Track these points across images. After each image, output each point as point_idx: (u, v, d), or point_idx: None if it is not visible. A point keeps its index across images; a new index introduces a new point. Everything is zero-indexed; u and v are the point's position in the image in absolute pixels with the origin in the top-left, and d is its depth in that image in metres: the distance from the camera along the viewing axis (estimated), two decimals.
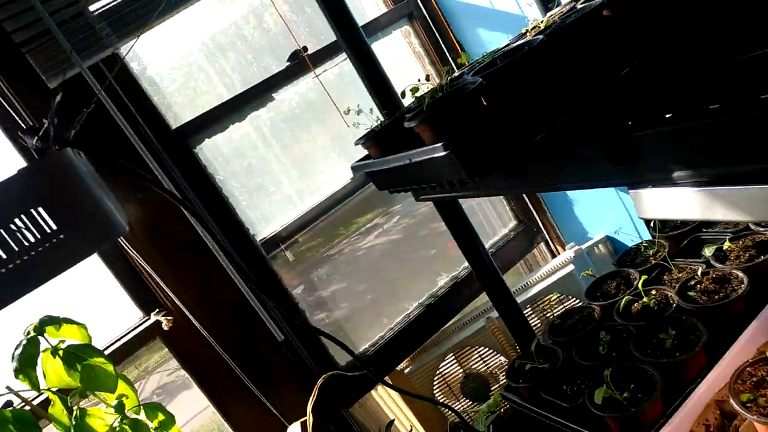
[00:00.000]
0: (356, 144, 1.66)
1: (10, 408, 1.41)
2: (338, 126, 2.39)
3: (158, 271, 2.00)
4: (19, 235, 0.85)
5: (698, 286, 1.68)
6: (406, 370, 2.46)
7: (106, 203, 0.95)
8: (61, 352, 1.32)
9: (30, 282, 0.87)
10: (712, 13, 1.14)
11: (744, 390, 1.19)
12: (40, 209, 0.85)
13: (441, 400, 2.44)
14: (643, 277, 1.76)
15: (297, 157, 2.53)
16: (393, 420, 2.22)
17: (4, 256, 0.84)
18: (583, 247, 2.61)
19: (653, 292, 1.78)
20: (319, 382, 1.65)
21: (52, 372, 1.35)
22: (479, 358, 2.49)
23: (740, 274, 1.62)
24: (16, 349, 1.29)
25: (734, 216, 0.90)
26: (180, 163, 2.12)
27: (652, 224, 2.07)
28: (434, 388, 2.45)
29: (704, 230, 1.95)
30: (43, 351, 1.33)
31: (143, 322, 2.09)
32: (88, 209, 0.91)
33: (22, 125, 1.78)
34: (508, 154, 1.27)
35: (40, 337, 1.31)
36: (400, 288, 2.74)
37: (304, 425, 1.59)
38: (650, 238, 2.09)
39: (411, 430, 2.25)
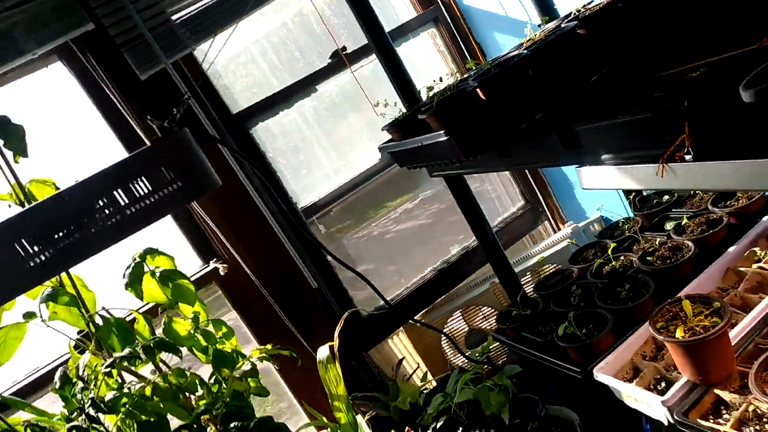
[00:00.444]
0: (382, 130, 2.09)
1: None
2: (371, 114, 2.81)
3: (218, 226, 2.48)
4: (153, 182, 1.30)
5: (656, 253, 2.05)
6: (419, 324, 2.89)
7: (208, 164, 1.39)
8: (157, 275, 1.80)
9: (162, 211, 1.32)
10: (648, 41, 1.53)
11: (659, 320, 1.57)
12: (168, 166, 1.30)
13: (448, 351, 2.87)
14: (612, 245, 2.14)
15: (335, 139, 2.97)
16: (403, 358, 2.65)
17: (144, 194, 1.30)
18: (580, 225, 2.98)
19: (621, 258, 2.16)
20: (345, 315, 2.10)
21: (148, 289, 1.83)
22: (482, 317, 2.90)
23: (690, 244, 1.98)
24: (127, 269, 1.78)
25: (637, 185, 1.29)
26: (239, 141, 2.58)
27: (631, 203, 2.44)
28: (442, 339, 2.87)
29: (673, 210, 2.31)
30: (144, 273, 1.81)
31: (203, 269, 2.58)
32: (198, 166, 1.35)
33: (127, 117, 2.34)
34: (495, 140, 1.68)
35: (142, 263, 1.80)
36: (420, 259, 3.14)
37: (332, 348, 2.04)
38: (631, 215, 2.46)
39: (418, 367, 2.69)
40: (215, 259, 2.57)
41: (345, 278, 2.93)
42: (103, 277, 2.02)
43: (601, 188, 1.41)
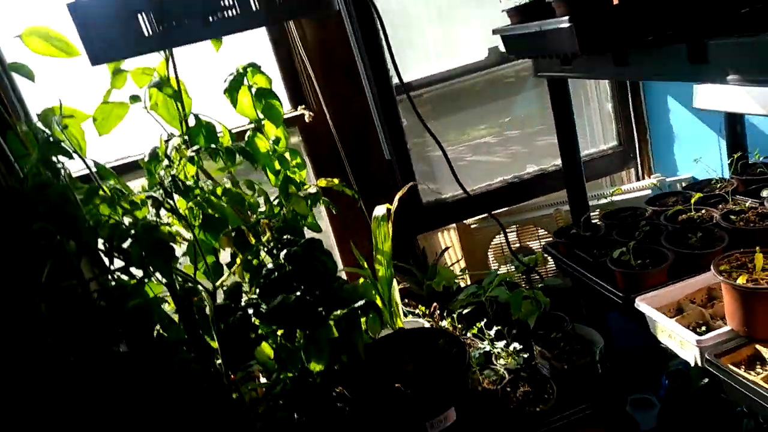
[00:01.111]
0: (502, 11, 2.03)
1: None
2: (489, 9, 2.68)
3: (315, 75, 2.53)
4: None
5: (742, 215, 1.95)
6: (473, 226, 2.92)
7: None
8: (253, 90, 1.89)
9: (276, 17, 1.38)
10: None
11: (724, 264, 1.53)
12: None
13: (492, 258, 2.92)
14: (697, 195, 2.05)
15: (446, 22, 2.89)
16: (448, 247, 2.72)
17: None
18: (668, 179, 2.85)
19: (703, 210, 2.07)
20: (407, 187, 2.15)
21: (242, 102, 1.93)
22: (536, 239, 2.90)
23: None
24: (229, 76, 1.88)
25: (760, 109, 1.21)
26: (357, 4, 2.56)
27: (731, 166, 2.30)
28: (490, 247, 2.91)
29: None
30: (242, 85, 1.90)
31: (290, 112, 2.67)
32: None
33: None
34: (617, 43, 1.60)
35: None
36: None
37: (389, 210, 2.12)
38: (727, 177, 2.33)
39: (459, 260, 2.75)
40: (303, 106, 2.64)
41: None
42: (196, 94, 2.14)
43: (716, 109, 1.34)
